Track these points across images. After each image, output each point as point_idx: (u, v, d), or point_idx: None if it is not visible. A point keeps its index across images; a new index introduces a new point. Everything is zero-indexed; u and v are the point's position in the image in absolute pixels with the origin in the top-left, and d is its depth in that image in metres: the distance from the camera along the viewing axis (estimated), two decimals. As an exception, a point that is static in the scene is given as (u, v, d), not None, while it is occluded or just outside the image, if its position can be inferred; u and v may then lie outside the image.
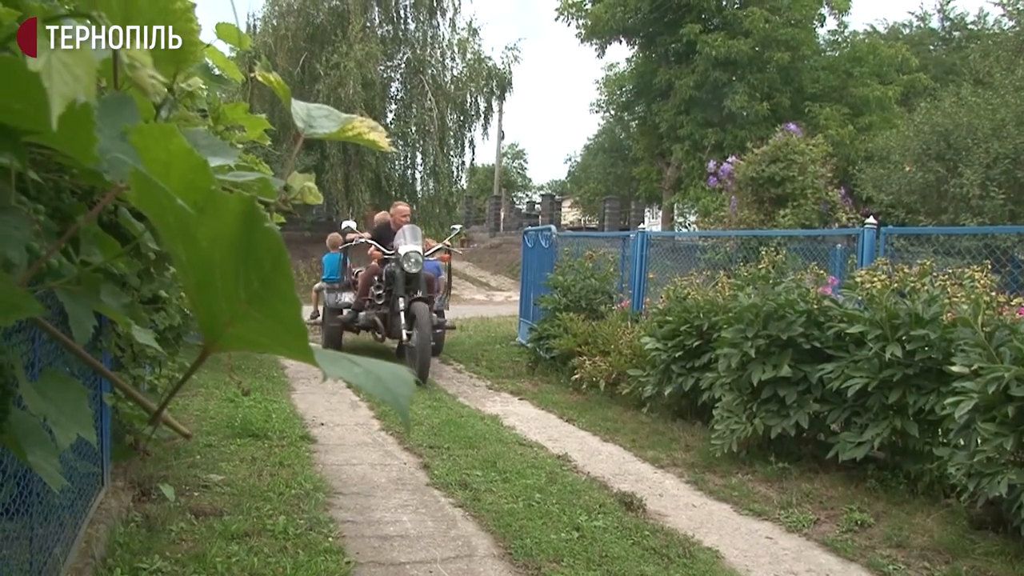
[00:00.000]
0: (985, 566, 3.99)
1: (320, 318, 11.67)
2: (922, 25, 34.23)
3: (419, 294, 9.02)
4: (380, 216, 11.03)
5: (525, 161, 63.78)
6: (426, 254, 9.43)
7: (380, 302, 9.57)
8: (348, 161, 24.09)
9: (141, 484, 4.32)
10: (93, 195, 1.52)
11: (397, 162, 26.52)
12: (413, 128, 26.46)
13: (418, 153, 26.57)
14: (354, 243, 10.16)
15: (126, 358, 3.39)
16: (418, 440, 6.16)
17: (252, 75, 1.48)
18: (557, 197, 40.63)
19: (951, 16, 33.72)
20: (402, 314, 8.93)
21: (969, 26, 32.87)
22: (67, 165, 1.17)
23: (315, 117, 1.23)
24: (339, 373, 0.60)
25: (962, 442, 4.28)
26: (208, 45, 1.49)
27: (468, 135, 27.42)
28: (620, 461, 5.98)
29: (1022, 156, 13.40)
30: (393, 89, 27.27)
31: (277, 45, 24.26)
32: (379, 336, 9.87)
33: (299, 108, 1.23)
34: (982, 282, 4.86)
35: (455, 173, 27.57)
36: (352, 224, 10.09)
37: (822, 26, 28.25)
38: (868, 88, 26.21)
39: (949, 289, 5.05)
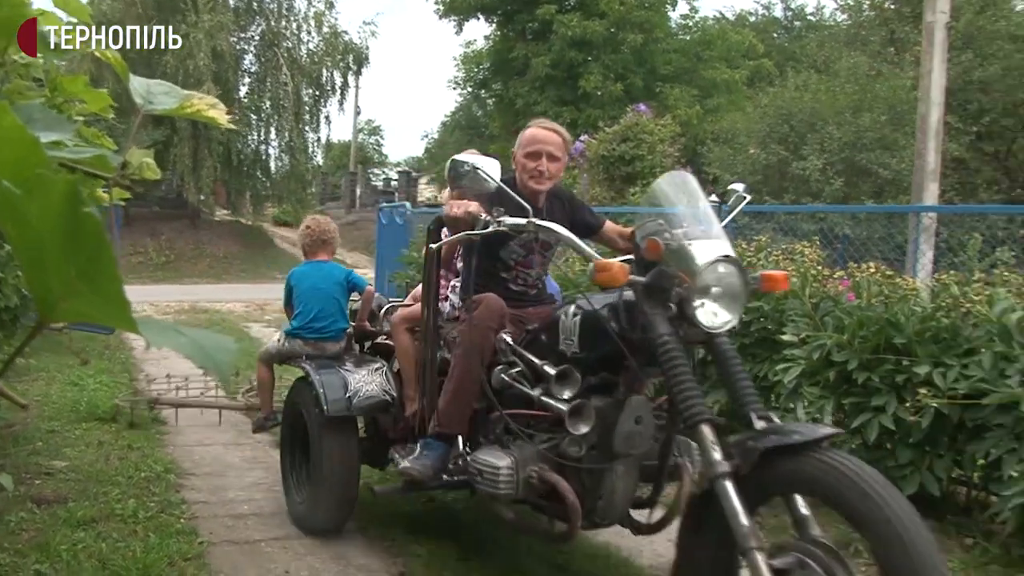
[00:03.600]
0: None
1: (275, 424, 4.58)
2: (767, 14, 35.83)
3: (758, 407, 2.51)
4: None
5: (382, 137, 62.91)
6: None
7: (582, 432, 2.81)
8: (198, 135, 23.23)
9: (-25, 473, 4.13)
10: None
11: (250, 137, 25.77)
12: (267, 102, 25.73)
13: (272, 128, 25.87)
14: (489, 228, 2.96)
15: (-43, 340, 3.24)
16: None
17: (91, 50, 1.47)
18: (414, 174, 40.45)
19: (792, 7, 35.49)
20: (729, 488, 2.21)
21: (808, 17, 34.70)
22: None
23: (154, 93, 1.24)
24: (164, 342, 0.63)
25: (791, 405, 4.59)
26: (45, 12, 1.46)
27: (324, 110, 26.89)
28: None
29: (859, 142, 14.24)
30: (247, 62, 26.41)
31: (124, 12, 23.09)
32: (540, 517, 3.24)
33: (138, 84, 1.23)
34: (811, 256, 5.21)
35: (311, 149, 27.03)
36: (485, 165, 3.01)
37: (674, 10, 29.12)
38: (717, 71, 27.29)
39: (782, 263, 5.38)
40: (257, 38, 26.30)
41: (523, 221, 2.91)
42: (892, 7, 19.69)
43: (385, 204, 14.13)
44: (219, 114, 1.24)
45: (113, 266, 0.61)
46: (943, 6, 7.92)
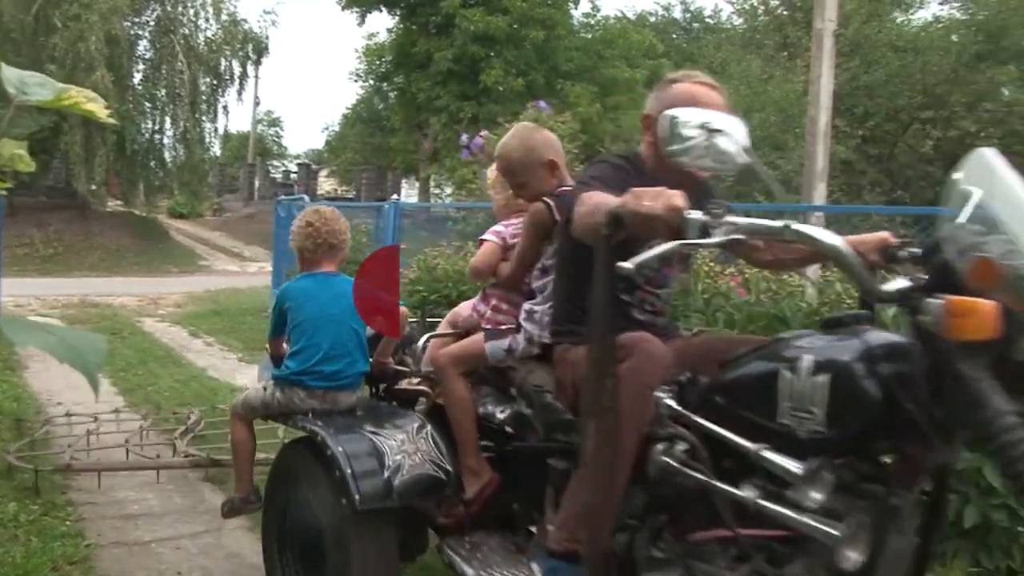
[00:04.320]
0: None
1: (257, 507, 3.16)
2: (666, 15, 36.56)
3: None
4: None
5: (281, 129, 61.79)
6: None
7: (855, 563, 1.61)
8: (89, 122, 22.33)
9: None
10: None
11: (144, 126, 24.94)
12: (163, 90, 24.94)
13: (168, 117, 25.09)
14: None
15: None
16: (166, 416, 5.95)
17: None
18: (314, 166, 40.11)
19: (691, 9, 36.38)
20: None
21: (706, 19, 35.60)
22: None
23: (28, 84, 1.21)
24: (31, 342, 0.62)
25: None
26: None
27: (222, 100, 26.21)
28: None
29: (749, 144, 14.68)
30: (141, 48, 25.53)
31: (9, -13, 22.03)
32: None
33: (11, 74, 1.20)
34: (704, 254, 5.37)
35: (208, 139, 26.29)
36: (730, 128, 1.95)
37: (576, 8, 29.42)
38: (617, 69, 27.73)
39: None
40: (152, 23, 25.47)
41: (778, 225, 1.71)
42: (785, 13, 20.34)
43: (284, 197, 13.95)
44: (97, 107, 1.22)
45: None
46: (831, 14, 8.22)
